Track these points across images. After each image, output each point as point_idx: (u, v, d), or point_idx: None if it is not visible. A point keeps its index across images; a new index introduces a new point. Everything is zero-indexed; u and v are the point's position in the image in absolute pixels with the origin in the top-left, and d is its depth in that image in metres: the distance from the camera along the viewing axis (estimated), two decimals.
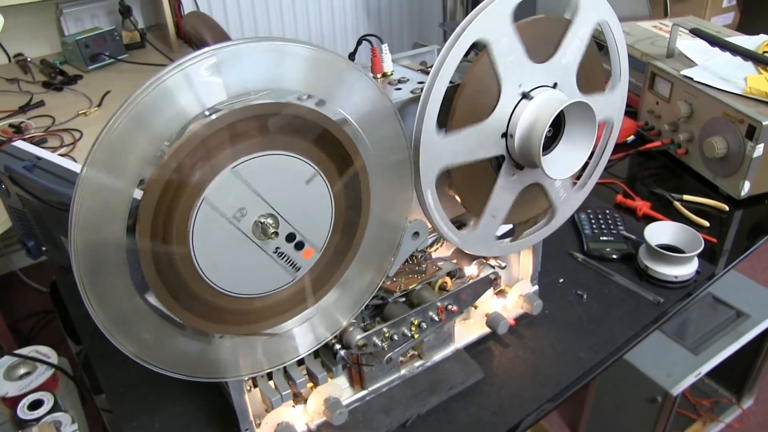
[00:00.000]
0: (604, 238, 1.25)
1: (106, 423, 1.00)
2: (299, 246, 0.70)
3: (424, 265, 0.88)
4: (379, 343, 0.82)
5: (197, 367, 0.74)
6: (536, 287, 1.08)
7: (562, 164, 0.81)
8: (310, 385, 0.87)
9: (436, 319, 0.87)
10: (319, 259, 0.73)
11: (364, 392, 0.93)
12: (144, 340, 0.69)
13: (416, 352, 0.97)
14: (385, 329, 0.83)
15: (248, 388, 0.83)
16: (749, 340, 1.78)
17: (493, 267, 0.94)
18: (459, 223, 0.86)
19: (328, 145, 0.68)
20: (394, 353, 0.85)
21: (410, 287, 0.86)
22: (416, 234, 0.82)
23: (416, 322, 0.85)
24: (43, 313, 2.32)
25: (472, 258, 0.94)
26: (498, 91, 0.77)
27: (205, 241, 0.64)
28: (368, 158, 0.72)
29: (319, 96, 0.66)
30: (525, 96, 0.79)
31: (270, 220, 0.67)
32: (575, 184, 0.94)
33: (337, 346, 0.82)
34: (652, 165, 1.54)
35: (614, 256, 1.22)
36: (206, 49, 0.59)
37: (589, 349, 1.04)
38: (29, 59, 2.13)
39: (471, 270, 0.94)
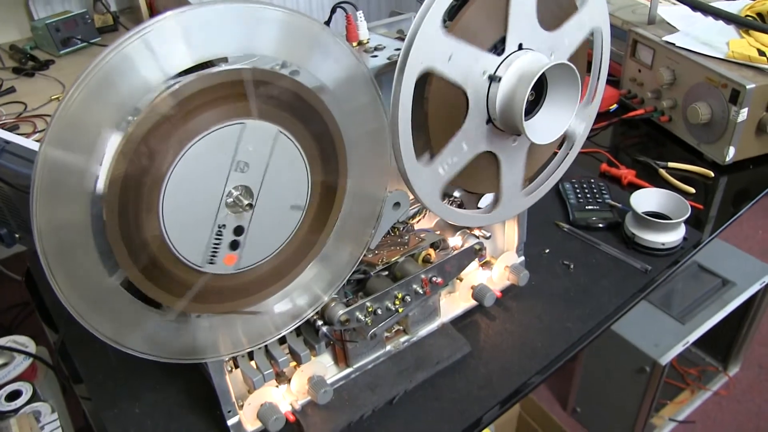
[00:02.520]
0: (590, 207, 1.23)
1: (86, 411, 0.97)
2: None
3: (406, 237, 0.86)
4: (363, 318, 0.80)
5: (175, 349, 0.71)
6: (522, 258, 1.06)
7: (545, 129, 0.79)
8: (293, 364, 0.84)
9: (421, 291, 0.85)
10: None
11: (348, 370, 0.91)
12: (118, 323, 0.66)
13: (401, 327, 0.95)
14: (368, 304, 0.81)
15: (229, 369, 0.80)
16: (735, 308, 1.78)
17: (478, 237, 0.92)
18: (445, 195, 0.84)
19: (302, 112, 0.65)
20: (378, 328, 0.83)
21: (393, 260, 0.83)
22: (397, 204, 0.79)
23: (400, 296, 0.83)
24: (23, 305, 2.27)
25: (455, 229, 0.92)
26: (464, 94, 0.74)
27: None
28: (344, 126, 0.70)
29: (292, 62, 0.64)
30: (492, 78, 0.76)
31: (244, 192, 0.64)
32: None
33: (319, 323, 0.79)
34: (636, 133, 1.53)
35: (600, 225, 1.20)
36: (168, 12, 0.56)
37: (577, 320, 1.02)
38: None
39: (455, 241, 0.92)
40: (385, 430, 0.87)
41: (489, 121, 0.77)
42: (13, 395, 1.12)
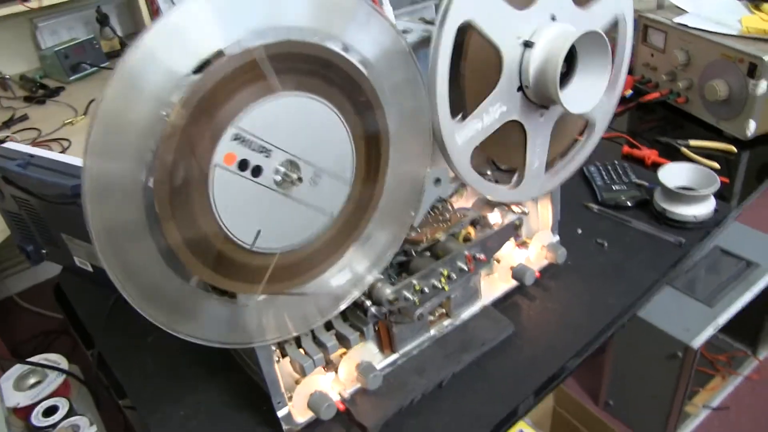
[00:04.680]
0: (617, 187, 1.23)
1: (130, 420, 0.96)
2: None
3: (447, 215, 0.85)
4: (410, 296, 0.79)
5: (225, 334, 0.71)
6: (557, 237, 1.05)
7: (581, 97, 0.79)
8: (341, 351, 0.83)
9: (465, 268, 0.84)
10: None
11: (395, 356, 0.90)
12: (172, 310, 0.66)
13: (444, 310, 0.94)
14: (414, 281, 0.80)
15: (277, 359, 0.79)
16: (762, 289, 1.76)
17: (517, 213, 0.91)
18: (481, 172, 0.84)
19: (346, 87, 0.65)
20: (424, 308, 0.82)
21: (436, 236, 0.83)
22: (438, 181, 0.79)
23: (445, 273, 0.82)
24: (43, 335, 2.26)
25: (493, 206, 0.91)
26: (498, 55, 0.75)
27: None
28: (386, 104, 0.70)
29: (331, 33, 0.63)
30: (527, 44, 0.76)
31: (291, 167, 0.64)
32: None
33: (368, 303, 0.79)
34: (653, 117, 1.53)
35: (629, 204, 1.20)
36: None
37: (616, 295, 1.01)
38: (8, 77, 2.08)
39: (494, 218, 0.91)
40: (436, 412, 0.86)
41: (520, 88, 0.78)
42: (50, 411, 1.12)
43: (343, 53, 0.64)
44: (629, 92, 1.56)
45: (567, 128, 0.88)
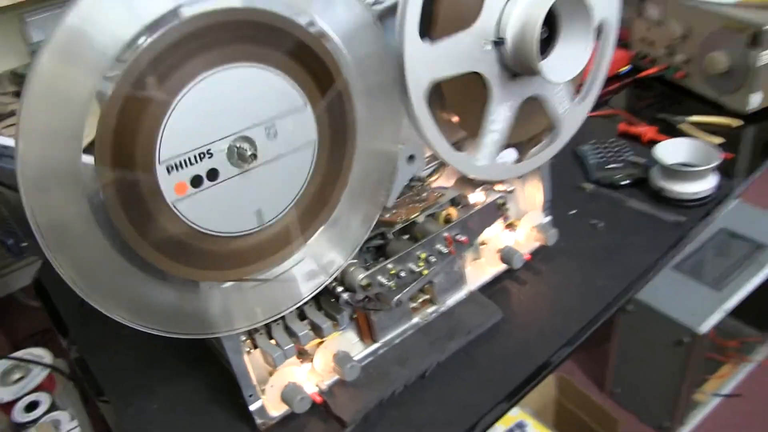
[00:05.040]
0: (612, 165, 1.18)
1: (104, 414, 0.92)
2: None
3: (424, 195, 0.81)
4: (385, 281, 0.75)
5: (189, 324, 0.66)
6: (549, 218, 1.00)
7: (561, 67, 0.74)
8: (317, 342, 0.79)
9: (445, 251, 0.79)
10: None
11: (375, 345, 0.86)
12: (129, 301, 0.62)
13: (428, 296, 0.89)
14: (389, 265, 0.75)
15: (248, 349, 0.75)
16: None
17: (500, 191, 0.87)
18: (459, 148, 0.79)
19: (306, 60, 0.61)
20: (403, 294, 0.78)
21: (412, 217, 0.78)
22: (411, 158, 0.74)
23: (423, 256, 0.78)
24: (44, 332, 2.24)
25: (476, 186, 0.86)
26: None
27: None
28: (351, 79, 0.65)
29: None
30: (497, 43, 0.72)
31: (246, 144, 0.60)
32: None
33: (339, 289, 0.74)
34: (651, 94, 1.47)
35: (625, 182, 1.14)
36: None
37: (611, 278, 0.96)
38: None
39: (476, 198, 0.86)
40: (420, 404, 0.81)
41: (497, 43, 0.73)
42: (32, 406, 1.11)
43: (294, 19, 0.59)
44: (625, 68, 1.51)
45: (532, 118, 0.83)
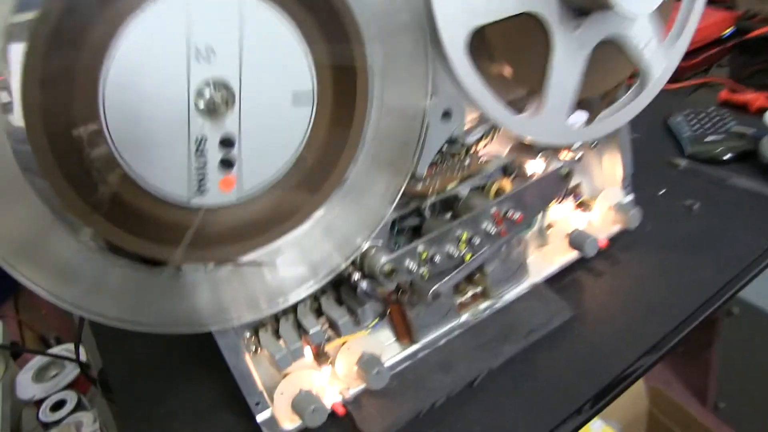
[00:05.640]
0: (711, 138, 0.99)
1: (112, 415, 0.82)
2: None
3: (466, 162, 0.66)
4: (414, 267, 0.60)
5: (172, 317, 0.54)
6: (631, 196, 0.83)
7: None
8: (341, 341, 0.65)
9: (493, 231, 0.64)
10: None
11: (414, 347, 0.71)
12: (99, 291, 0.50)
13: (480, 289, 0.74)
14: (420, 247, 0.61)
15: (252, 348, 0.62)
16: None
17: (566, 161, 0.70)
18: (515, 108, 0.63)
19: None
20: (440, 285, 0.63)
21: (449, 187, 0.63)
22: (447, 114, 0.59)
23: (465, 237, 0.63)
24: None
25: (535, 153, 0.70)
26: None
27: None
28: (363, 20, 0.51)
29: None
30: None
31: (221, 92, 0.47)
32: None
33: (356, 276, 0.60)
34: (762, 59, 1.25)
35: (728, 157, 0.95)
36: None
37: (710, 269, 0.78)
38: None
39: (535, 167, 0.70)
40: (465, 420, 0.66)
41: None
42: (58, 405, 1.07)
43: None
44: (729, 30, 1.30)
45: (609, 65, 0.66)
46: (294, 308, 0.63)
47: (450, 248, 0.62)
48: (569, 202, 0.79)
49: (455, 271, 0.63)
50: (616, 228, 0.82)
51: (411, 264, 0.60)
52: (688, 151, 0.98)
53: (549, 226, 0.78)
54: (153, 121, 0.45)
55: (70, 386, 1.13)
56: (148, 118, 0.45)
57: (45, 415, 1.05)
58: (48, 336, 1.59)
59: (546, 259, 0.79)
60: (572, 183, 0.76)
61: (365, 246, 0.60)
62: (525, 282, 0.77)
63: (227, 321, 0.56)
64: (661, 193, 0.92)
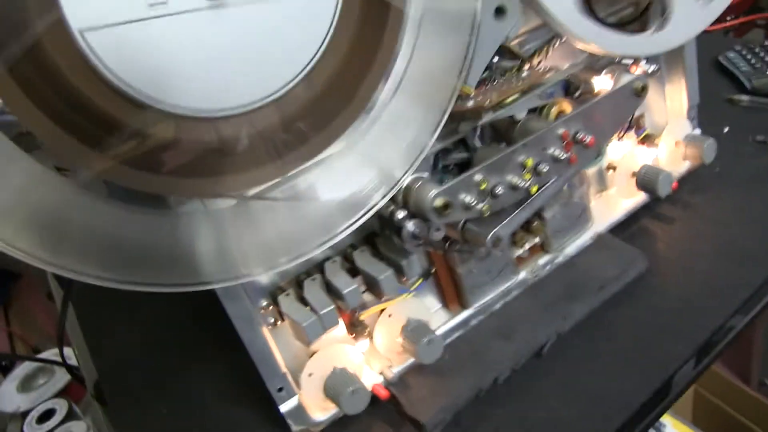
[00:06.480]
0: None
1: (104, 418, 0.69)
2: None
3: (523, 75, 0.54)
4: (472, 202, 0.48)
5: (164, 270, 0.41)
6: (698, 130, 0.71)
7: None
8: (379, 308, 0.53)
9: (562, 156, 0.51)
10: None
11: (466, 313, 0.59)
12: (87, 250, 0.38)
13: (538, 240, 0.62)
14: (477, 176, 0.48)
15: (271, 320, 0.50)
16: None
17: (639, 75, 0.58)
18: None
19: None
20: (502, 227, 0.50)
21: (509, 99, 0.50)
22: (500, 11, 0.47)
23: (530, 164, 0.50)
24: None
25: (598, 69, 0.58)
26: None
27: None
28: None
29: None
30: None
31: None
32: None
33: (400, 215, 0.47)
34: None
35: None
36: None
37: None
38: None
39: (602, 84, 0.58)
40: (536, 396, 0.54)
41: None
42: (46, 415, 0.96)
43: None
44: None
45: None
46: (320, 268, 0.51)
47: (513, 178, 0.50)
48: (630, 140, 0.67)
49: (519, 210, 0.51)
50: (685, 166, 0.70)
51: (468, 197, 0.47)
52: (750, 85, 0.86)
53: (610, 167, 0.66)
54: None
55: (60, 394, 1.01)
56: None
57: (30, 427, 0.93)
58: (43, 348, 1.47)
59: (608, 204, 0.67)
60: (635, 113, 0.64)
61: (407, 180, 0.47)
62: (588, 231, 0.65)
63: (234, 276, 0.43)
64: (726, 130, 0.80)
